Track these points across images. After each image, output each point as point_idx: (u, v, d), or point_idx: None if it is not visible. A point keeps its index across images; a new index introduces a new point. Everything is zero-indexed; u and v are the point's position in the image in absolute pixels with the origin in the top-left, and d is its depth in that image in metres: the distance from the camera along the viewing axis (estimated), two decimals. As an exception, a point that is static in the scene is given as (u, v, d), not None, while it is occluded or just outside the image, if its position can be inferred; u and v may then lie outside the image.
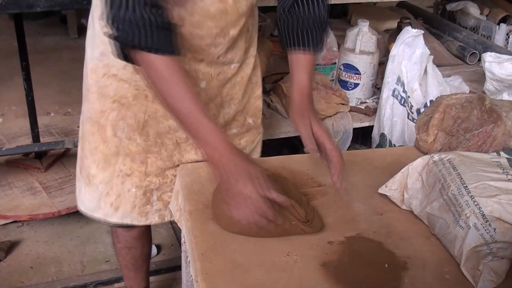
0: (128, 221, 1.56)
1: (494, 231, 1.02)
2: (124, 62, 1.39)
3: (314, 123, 1.36)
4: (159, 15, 1.16)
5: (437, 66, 2.10)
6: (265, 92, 2.40)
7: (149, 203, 1.55)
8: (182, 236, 1.36)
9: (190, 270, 1.18)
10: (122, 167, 1.50)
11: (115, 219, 1.56)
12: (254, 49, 1.57)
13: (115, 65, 1.42)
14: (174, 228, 2.52)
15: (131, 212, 1.54)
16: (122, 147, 1.49)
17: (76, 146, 2.26)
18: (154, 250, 2.36)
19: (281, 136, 2.21)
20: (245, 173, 1.13)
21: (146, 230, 1.78)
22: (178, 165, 1.49)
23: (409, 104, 2.08)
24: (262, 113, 2.23)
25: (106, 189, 1.53)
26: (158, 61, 1.16)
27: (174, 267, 2.27)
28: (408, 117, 2.10)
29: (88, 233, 2.48)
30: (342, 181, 1.27)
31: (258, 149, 1.70)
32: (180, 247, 1.48)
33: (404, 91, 2.10)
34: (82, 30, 4.34)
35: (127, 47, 1.17)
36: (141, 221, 1.56)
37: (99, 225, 2.50)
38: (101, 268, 2.30)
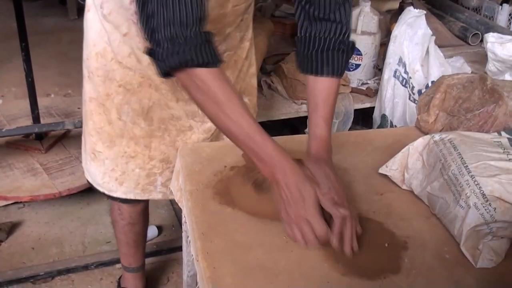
0: (131, 196, 1.61)
1: (494, 210, 1.02)
2: (129, 50, 1.39)
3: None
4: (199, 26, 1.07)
5: (439, 47, 2.09)
6: (266, 73, 2.40)
7: (152, 184, 1.59)
8: (183, 216, 1.37)
9: (190, 249, 1.18)
10: (127, 149, 1.53)
11: (119, 193, 1.60)
12: (250, 33, 1.56)
13: (120, 53, 1.43)
14: (175, 209, 2.53)
15: (134, 188, 1.59)
16: (127, 130, 1.51)
17: (77, 127, 2.30)
18: (155, 231, 2.37)
19: (282, 117, 2.21)
20: (309, 197, 1.06)
21: (146, 206, 1.83)
22: None
23: (411, 85, 2.07)
24: (263, 94, 2.23)
25: (111, 165, 1.56)
26: (206, 75, 1.06)
27: (175, 248, 2.29)
28: (409, 98, 2.09)
29: (89, 214, 2.49)
30: (347, 244, 1.07)
31: None
32: (181, 228, 1.49)
33: (405, 72, 2.09)
34: (81, 12, 4.30)
35: (171, 68, 1.07)
36: (144, 197, 1.62)
37: (100, 206, 2.51)
38: (102, 249, 2.31)
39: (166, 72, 1.08)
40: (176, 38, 1.03)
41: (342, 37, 1.24)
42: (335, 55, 1.24)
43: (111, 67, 1.45)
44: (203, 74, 1.06)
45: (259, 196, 1.15)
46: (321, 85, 1.24)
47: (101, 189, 1.63)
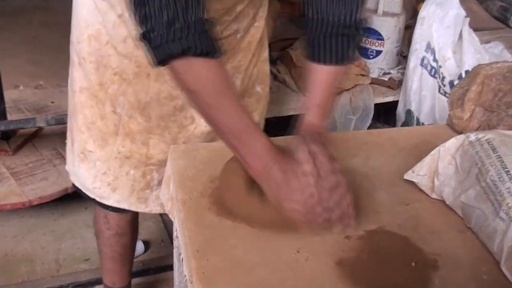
0: (125, 205, 1.62)
1: (540, 223, 1.02)
2: (125, 34, 1.39)
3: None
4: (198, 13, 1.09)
5: (474, 30, 2.09)
6: (272, 61, 2.39)
7: (148, 187, 1.60)
8: (174, 229, 1.37)
9: (183, 269, 1.18)
10: (121, 148, 1.54)
11: (111, 201, 1.62)
12: (265, 9, 1.57)
13: (114, 37, 1.43)
14: (164, 221, 2.53)
15: (129, 197, 1.60)
16: (122, 126, 1.52)
17: (50, 125, 2.30)
18: (141, 247, 2.37)
19: (290, 113, 2.21)
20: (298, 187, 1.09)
21: (136, 214, 1.84)
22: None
23: (441, 75, 2.07)
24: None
25: (103, 167, 1.58)
26: (204, 66, 1.10)
27: (164, 267, 2.29)
28: (439, 91, 2.09)
29: (64, 227, 2.50)
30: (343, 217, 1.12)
31: (262, 124, 1.71)
32: (172, 244, 1.49)
33: (434, 59, 2.09)
34: (55, -12, 4.32)
35: (170, 56, 1.09)
36: (140, 208, 1.63)
37: (77, 217, 2.52)
38: (79, 267, 2.31)
39: (161, 61, 1.10)
40: (175, 23, 1.05)
41: (349, 18, 1.26)
42: (338, 41, 1.27)
43: (106, 52, 1.45)
44: (203, 63, 1.09)
45: (264, 203, 1.15)
46: (319, 73, 1.29)
47: (91, 195, 1.64)
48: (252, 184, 1.17)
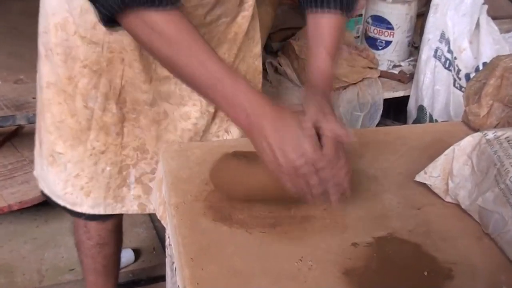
0: (100, 209, 1.60)
1: None
2: (94, 20, 1.39)
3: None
4: None
5: (493, 18, 2.09)
6: (272, 52, 2.40)
7: (125, 184, 1.59)
8: (167, 236, 1.37)
9: (176, 279, 1.18)
10: (95, 143, 1.54)
11: (85, 207, 1.60)
12: None
13: (82, 24, 1.42)
14: (156, 228, 2.53)
15: (105, 197, 1.59)
16: (95, 120, 1.52)
17: (32, 123, 2.29)
18: (131, 255, 2.37)
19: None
20: (289, 135, 1.09)
21: (119, 222, 1.84)
22: (160, 138, 1.52)
23: (456, 68, 2.07)
24: (268, 80, 2.23)
25: (75, 170, 1.56)
26: (161, 18, 1.10)
27: (156, 278, 2.29)
28: (454, 85, 2.09)
29: (47, 235, 2.50)
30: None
31: None
32: (164, 252, 1.49)
33: (449, 51, 2.09)
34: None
35: (119, 8, 1.09)
36: (116, 208, 1.61)
37: (61, 223, 2.52)
38: (63, 278, 2.32)
39: (110, 18, 1.10)
40: None
41: None
42: None
43: (74, 42, 1.45)
44: (158, 16, 1.08)
45: (253, 170, 1.17)
46: (325, 21, 1.30)
47: (62, 203, 1.62)
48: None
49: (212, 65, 1.10)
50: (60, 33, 1.45)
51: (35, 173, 1.70)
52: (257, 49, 1.67)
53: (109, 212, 1.62)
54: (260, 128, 1.08)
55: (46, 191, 1.66)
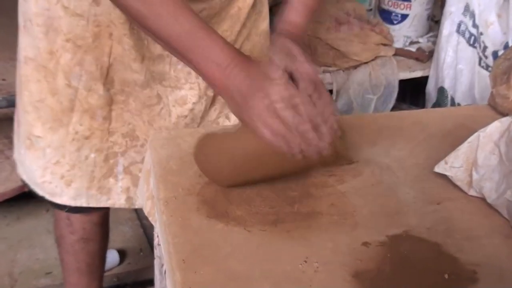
0: (83, 201, 1.61)
1: None
2: None
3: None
4: None
5: (524, -12, 2.09)
6: (270, 28, 2.39)
7: (112, 174, 1.60)
8: (155, 236, 1.37)
9: (166, 283, 1.19)
10: (78, 127, 1.54)
11: (65, 198, 1.60)
12: None
13: None
14: (143, 226, 2.54)
15: (88, 188, 1.59)
16: (79, 101, 1.52)
17: (1, 107, 2.30)
18: (115, 257, 2.38)
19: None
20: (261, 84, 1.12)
21: (106, 216, 1.85)
22: (152, 124, 1.53)
23: (482, 45, 2.07)
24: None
25: (55, 156, 1.57)
26: None
27: (144, 281, 2.30)
28: (479, 64, 2.10)
29: (20, 233, 2.50)
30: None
31: None
32: (152, 253, 1.50)
33: (474, 25, 2.09)
34: None
35: None
36: (101, 201, 1.62)
37: (37, 221, 2.52)
38: (39, 283, 2.32)
39: None
40: None
41: None
42: None
43: (56, 13, 1.45)
44: None
45: (237, 137, 1.19)
46: None
47: (40, 192, 1.63)
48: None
49: (184, 19, 1.14)
50: (41, 2, 1.45)
51: (14, 156, 1.70)
52: (265, 25, 1.67)
53: (92, 204, 1.62)
54: (234, 84, 1.12)
55: (25, 178, 1.67)
